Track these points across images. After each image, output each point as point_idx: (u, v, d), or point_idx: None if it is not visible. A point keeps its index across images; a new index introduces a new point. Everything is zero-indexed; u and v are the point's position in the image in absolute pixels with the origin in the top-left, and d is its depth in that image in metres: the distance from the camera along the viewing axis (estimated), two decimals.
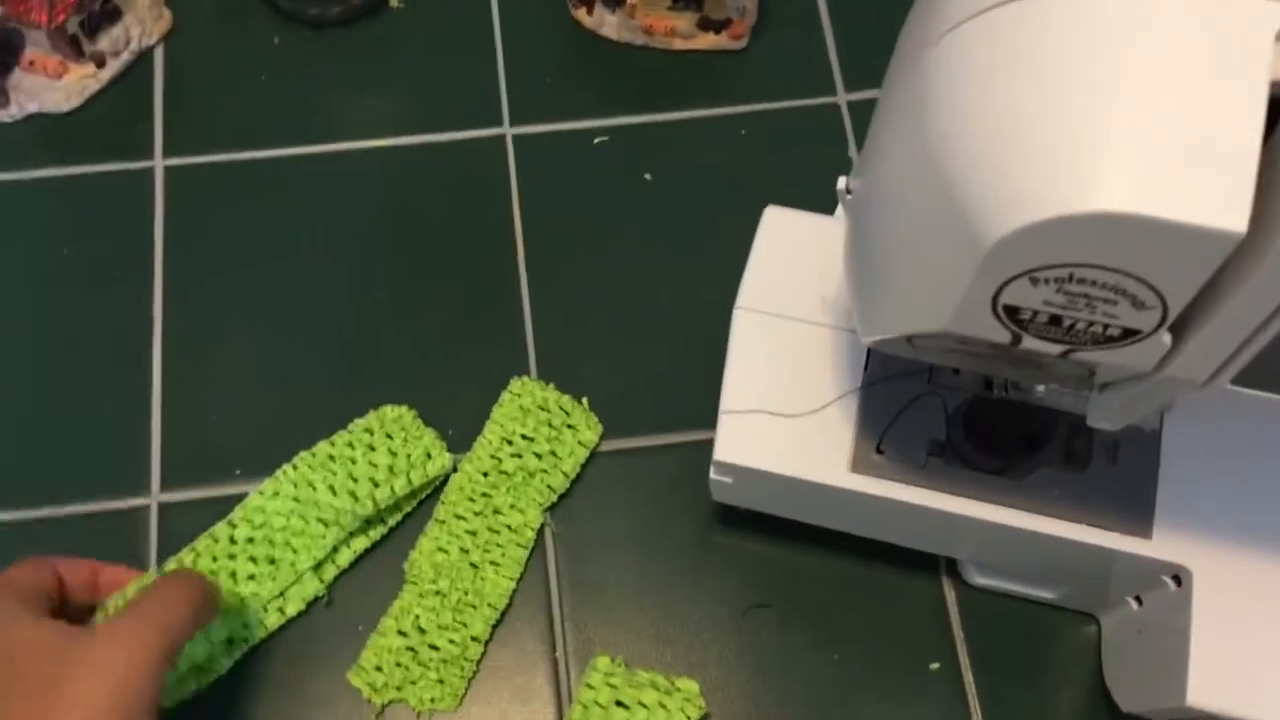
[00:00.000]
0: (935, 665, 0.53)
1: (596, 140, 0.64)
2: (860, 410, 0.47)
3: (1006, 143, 0.28)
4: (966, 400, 0.47)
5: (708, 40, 0.65)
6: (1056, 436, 0.47)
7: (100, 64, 0.63)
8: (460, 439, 0.57)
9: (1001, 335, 0.32)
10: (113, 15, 0.63)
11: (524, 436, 0.56)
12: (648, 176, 0.63)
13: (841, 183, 0.38)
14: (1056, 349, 0.32)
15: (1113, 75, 0.27)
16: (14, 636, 0.41)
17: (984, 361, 0.37)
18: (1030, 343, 0.32)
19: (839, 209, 0.60)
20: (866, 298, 0.38)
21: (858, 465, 0.47)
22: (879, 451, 0.47)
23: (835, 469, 0.47)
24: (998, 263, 0.29)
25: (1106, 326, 0.30)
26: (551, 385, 0.57)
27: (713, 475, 0.49)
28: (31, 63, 0.62)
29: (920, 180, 0.31)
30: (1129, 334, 0.30)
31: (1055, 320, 0.31)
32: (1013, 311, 0.31)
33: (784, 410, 0.48)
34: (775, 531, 0.54)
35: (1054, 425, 0.47)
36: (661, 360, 0.59)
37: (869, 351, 0.48)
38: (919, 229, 0.32)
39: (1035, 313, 0.31)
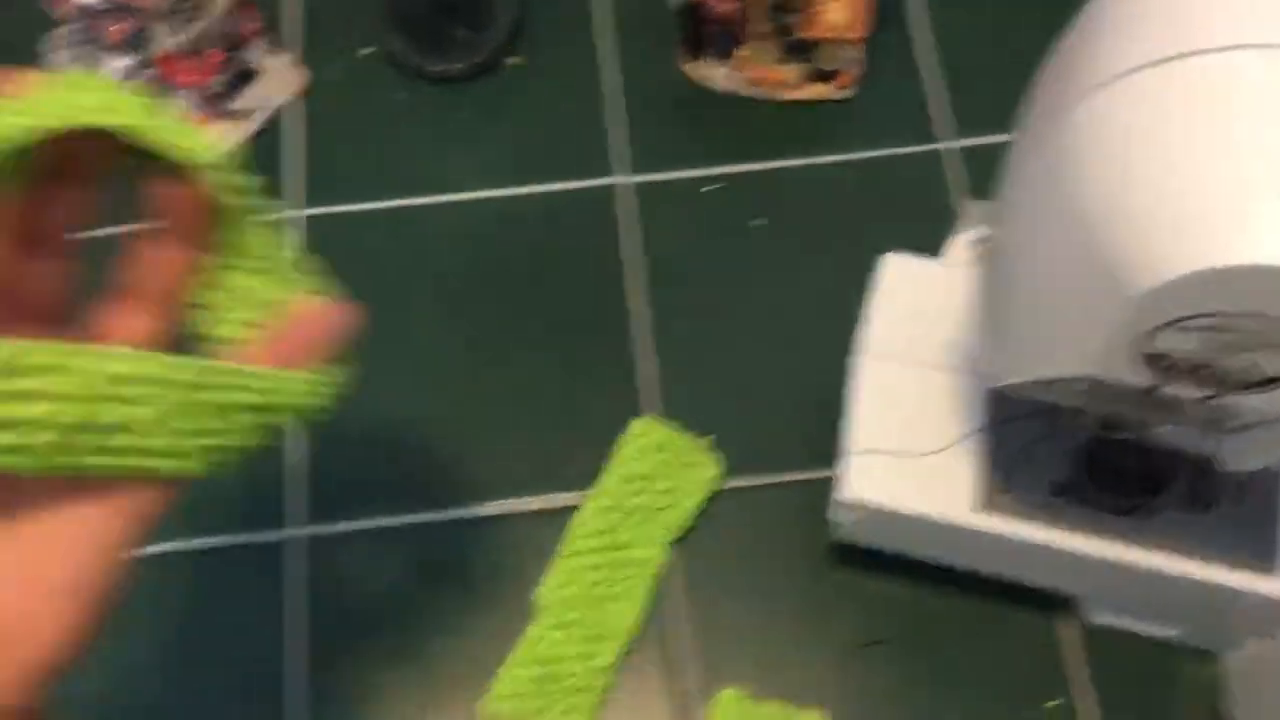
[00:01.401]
0: (1053, 703, 0.54)
1: (705, 188, 0.66)
2: (983, 451, 0.49)
3: (1160, 195, 0.30)
4: (1089, 440, 0.48)
5: (815, 90, 0.67)
6: (1180, 476, 0.48)
7: (239, 120, 0.67)
8: (581, 477, 0.59)
9: (1144, 380, 0.34)
10: (251, 75, 0.66)
11: (646, 475, 0.58)
12: (758, 222, 0.65)
13: (978, 232, 0.40)
14: (1199, 394, 0.34)
15: (1265, 133, 0.29)
16: None
17: (1121, 404, 0.38)
18: (1173, 389, 0.34)
19: (947, 253, 0.61)
20: (1002, 342, 0.39)
21: (982, 504, 0.48)
22: (1003, 491, 0.48)
23: (960, 507, 0.48)
24: (1147, 311, 0.31)
25: (1253, 372, 0.32)
26: (673, 425, 0.60)
27: (836, 514, 0.51)
28: None
29: (1066, 230, 0.33)
30: (1276, 380, 0.32)
31: (1200, 367, 0.33)
32: (1157, 359, 0.33)
33: (908, 450, 0.49)
34: (891, 568, 0.55)
35: (1178, 465, 0.48)
36: (779, 400, 0.61)
37: (990, 393, 0.50)
38: (1064, 277, 0.34)
39: (1180, 360, 0.33)
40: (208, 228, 0.37)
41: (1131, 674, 0.54)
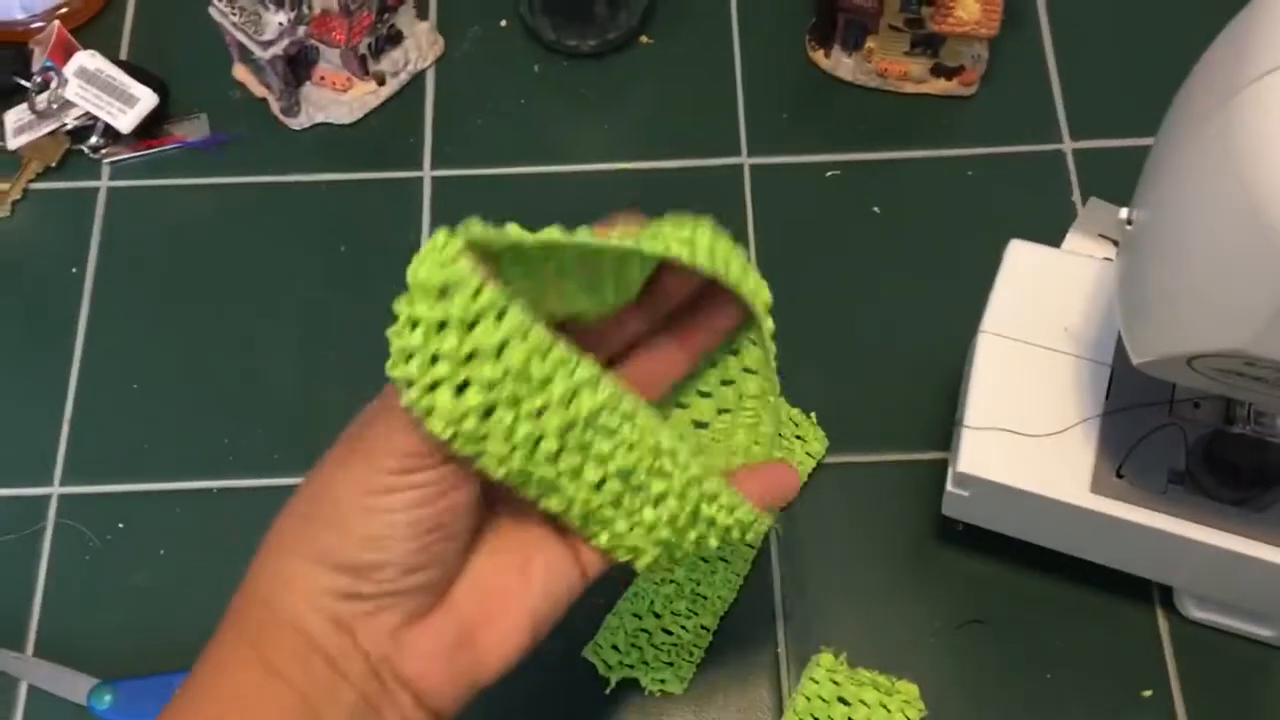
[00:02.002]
0: (1148, 693, 0.55)
1: (828, 174, 0.68)
2: (1100, 436, 0.50)
3: None
4: (1208, 433, 0.49)
5: (939, 85, 0.69)
6: None
7: (381, 82, 0.69)
8: None
9: None
10: (395, 39, 0.69)
11: None
12: (876, 210, 0.67)
13: (1123, 213, 0.41)
14: None
15: None
16: None
17: (1251, 391, 0.39)
18: None
19: (1067, 241, 0.62)
20: (1144, 321, 0.41)
21: (1098, 486, 0.49)
22: (1119, 475, 0.49)
23: (1076, 488, 0.49)
24: None
25: None
26: (783, 399, 0.61)
27: (950, 487, 0.52)
28: (322, 78, 0.69)
29: (1227, 209, 0.34)
30: None
31: None
32: None
33: (1026, 430, 0.50)
34: (992, 550, 0.57)
35: None
36: (886, 382, 0.62)
37: (1110, 381, 0.51)
38: (1221, 254, 0.35)
39: None
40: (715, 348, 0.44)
41: (1224, 672, 0.55)
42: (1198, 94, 0.38)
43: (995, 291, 0.53)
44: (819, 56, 0.70)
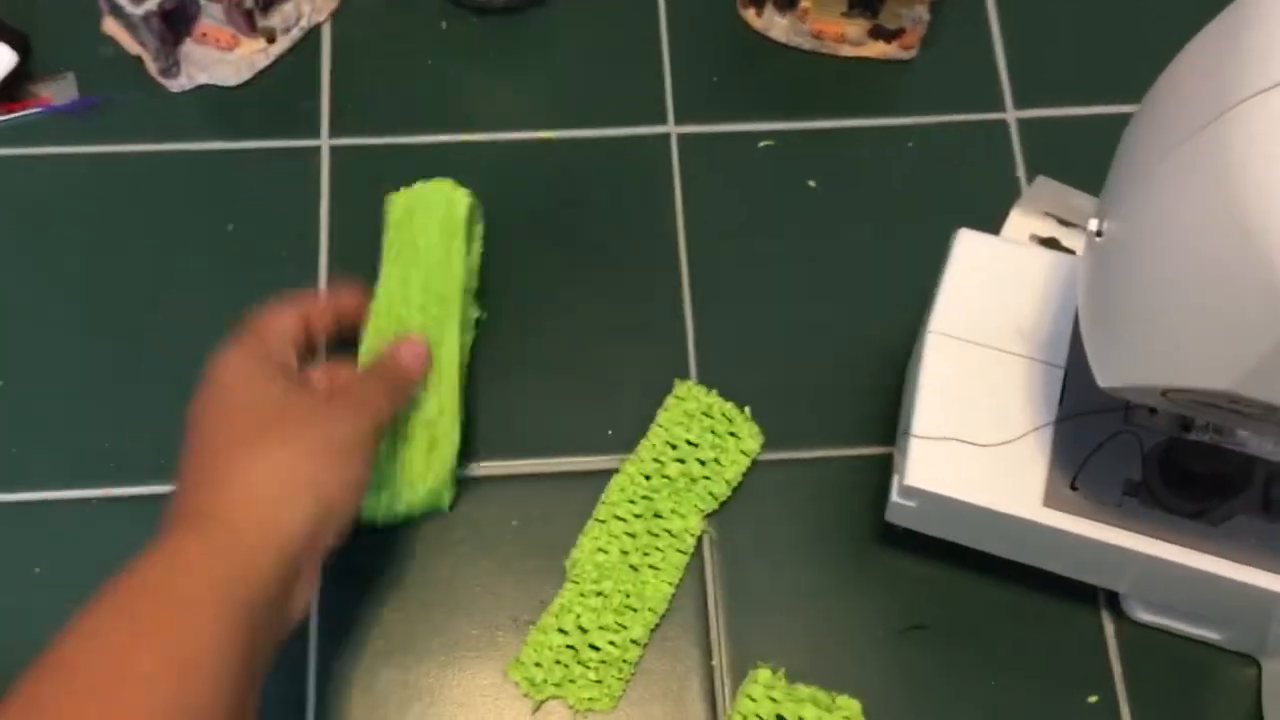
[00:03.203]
0: (1093, 698, 0.53)
1: (761, 144, 0.63)
2: (1053, 445, 0.47)
3: None
4: (1164, 440, 0.47)
5: (877, 49, 0.64)
6: (1255, 483, 0.46)
7: (270, 39, 0.63)
8: (620, 440, 0.57)
9: None
10: None
11: (688, 442, 0.56)
12: (812, 184, 0.63)
13: (1092, 224, 0.38)
14: None
15: None
16: (262, 389, 0.47)
17: (1243, 420, 0.36)
18: None
19: (1007, 226, 0.59)
20: (1115, 343, 0.37)
21: (1051, 500, 0.46)
22: (1073, 488, 0.46)
23: (1028, 502, 0.46)
24: None
25: None
26: (714, 391, 0.57)
27: (895, 498, 0.49)
28: (204, 34, 0.62)
29: (1219, 237, 0.31)
30: None
31: None
32: None
33: (976, 439, 0.47)
34: (935, 552, 0.54)
35: (1252, 471, 0.46)
36: (822, 372, 0.59)
37: (1064, 385, 0.48)
38: (1210, 285, 0.32)
39: None
40: None
41: (1171, 675, 0.54)
42: (1172, 105, 0.34)
43: (943, 288, 0.50)
44: (750, 15, 0.65)
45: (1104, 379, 0.38)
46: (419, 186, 0.57)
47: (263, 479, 0.44)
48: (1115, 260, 0.37)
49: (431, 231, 0.56)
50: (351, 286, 0.54)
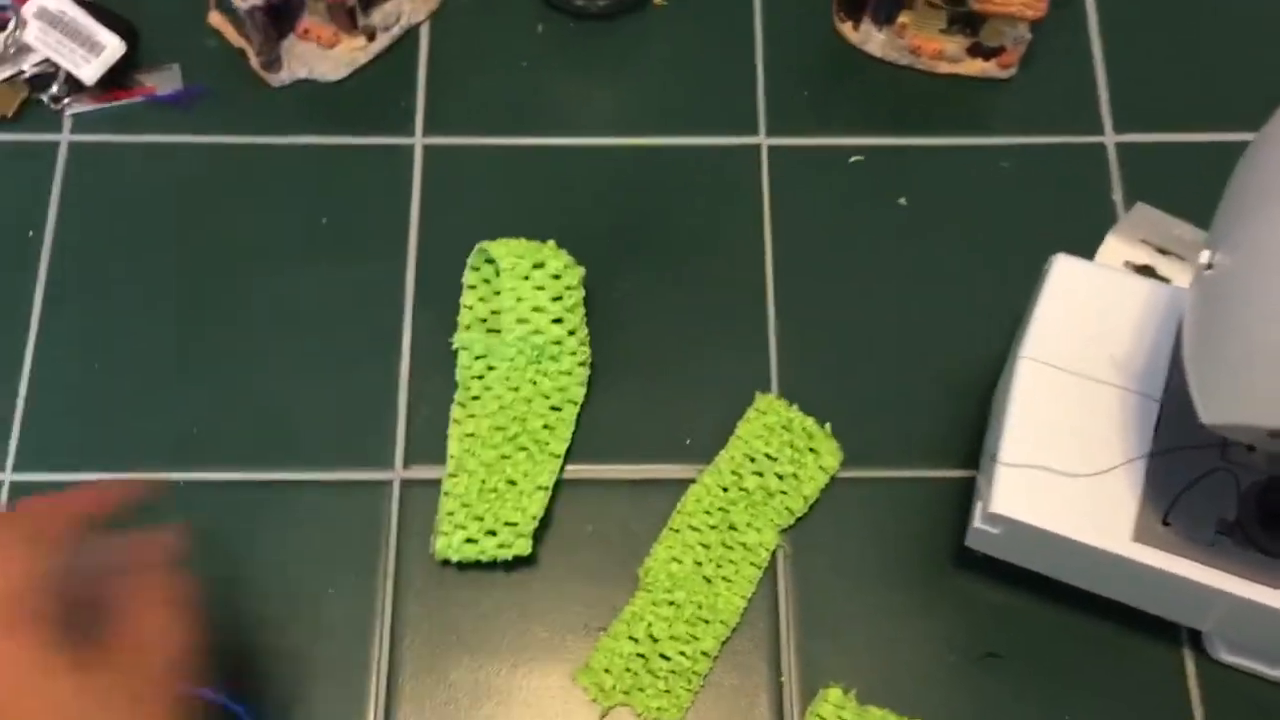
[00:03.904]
0: None
1: (852, 159, 0.63)
2: (1146, 478, 0.46)
3: None
4: (1262, 480, 0.45)
5: (975, 66, 0.64)
6: None
7: (370, 37, 0.64)
8: (698, 450, 0.57)
9: None
10: None
11: (768, 455, 0.56)
12: (902, 201, 0.62)
13: (1204, 256, 0.37)
14: None
15: None
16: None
17: None
18: None
19: (1102, 252, 0.58)
20: (1221, 379, 0.36)
21: (1141, 535, 0.45)
22: (1165, 524, 0.45)
23: (1118, 536, 0.45)
24: None
25: None
26: (795, 406, 0.57)
27: (978, 524, 0.48)
28: (306, 31, 0.63)
29: None
30: None
31: None
32: None
33: (1066, 469, 0.46)
34: (1013, 579, 0.53)
35: None
36: (905, 391, 0.58)
37: (1158, 418, 0.47)
38: None
39: None
40: None
41: (1252, 718, 0.52)
42: None
43: (1037, 313, 0.49)
44: (847, 29, 0.65)
45: (1207, 416, 0.37)
46: (523, 253, 0.57)
47: None
48: (1225, 294, 0.36)
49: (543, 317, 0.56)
50: (118, 488, 0.47)
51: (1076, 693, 0.53)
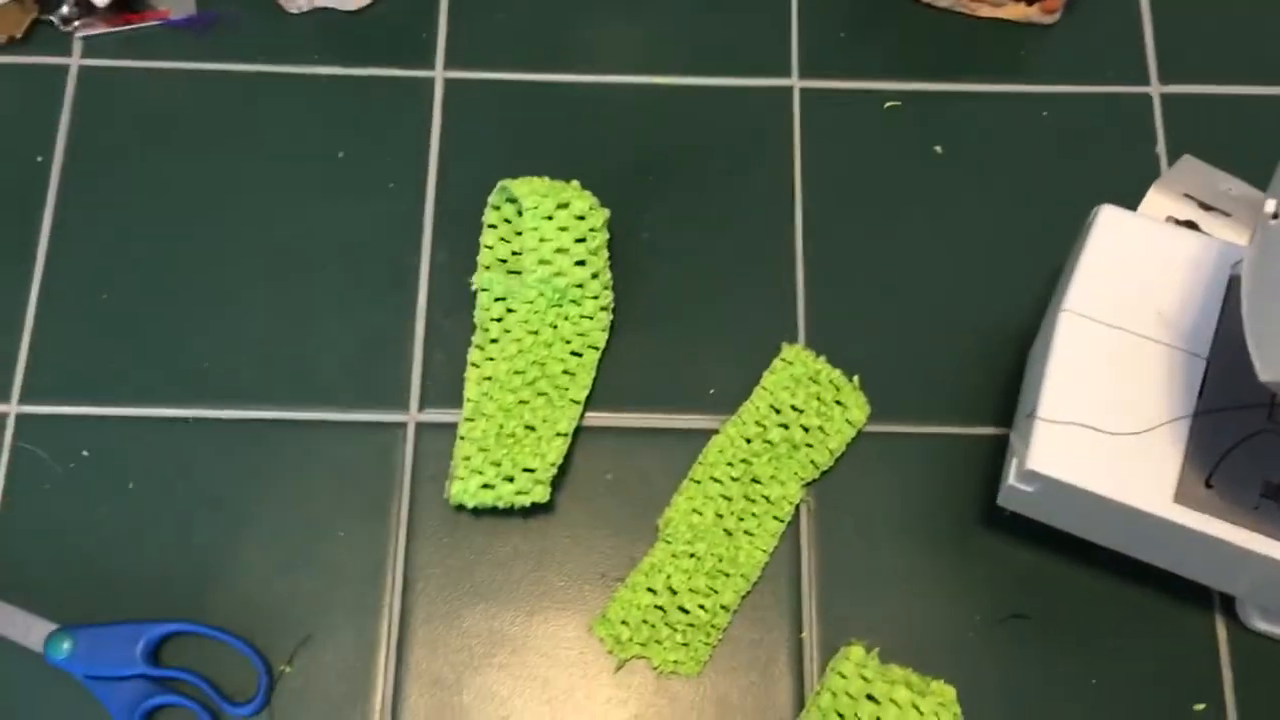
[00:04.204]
0: (1200, 706, 0.51)
1: (888, 105, 0.61)
2: (1190, 439, 0.44)
3: None
4: None
5: (1018, 11, 0.61)
6: None
7: None
8: (721, 400, 0.55)
9: None
10: None
11: (794, 408, 0.54)
12: (939, 149, 0.60)
13: (1270, 205, 0.35)
14: None
15: None
16: None
17: None
18: None
19: (1144, 206, 0.56)
20: None
21: (1183, 496, 0.44)
22: (1208, 485, 0.44)
23: (1158, 497, 0.44)
24: None
25: None
26: (822, 357, 0.55)
27: (1011, 482, 0.47)
28: None
29: None
30: None
31: None
32: None
33: (1106, 427, 0.45)
34: (1041, 539, 0.52)
35: None
36: (937, 346, 0.56)
37: (1204, 376, 0.45)
38: None
39: None
40: None
41: None
42: None
43: (1080, 265, 0.47)
44: None
45: (1265, 372, 0.36)
46: (551, 195, 0.55)
47: None
48: None
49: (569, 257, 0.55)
50: None
51: (1104, 657, 0.51)
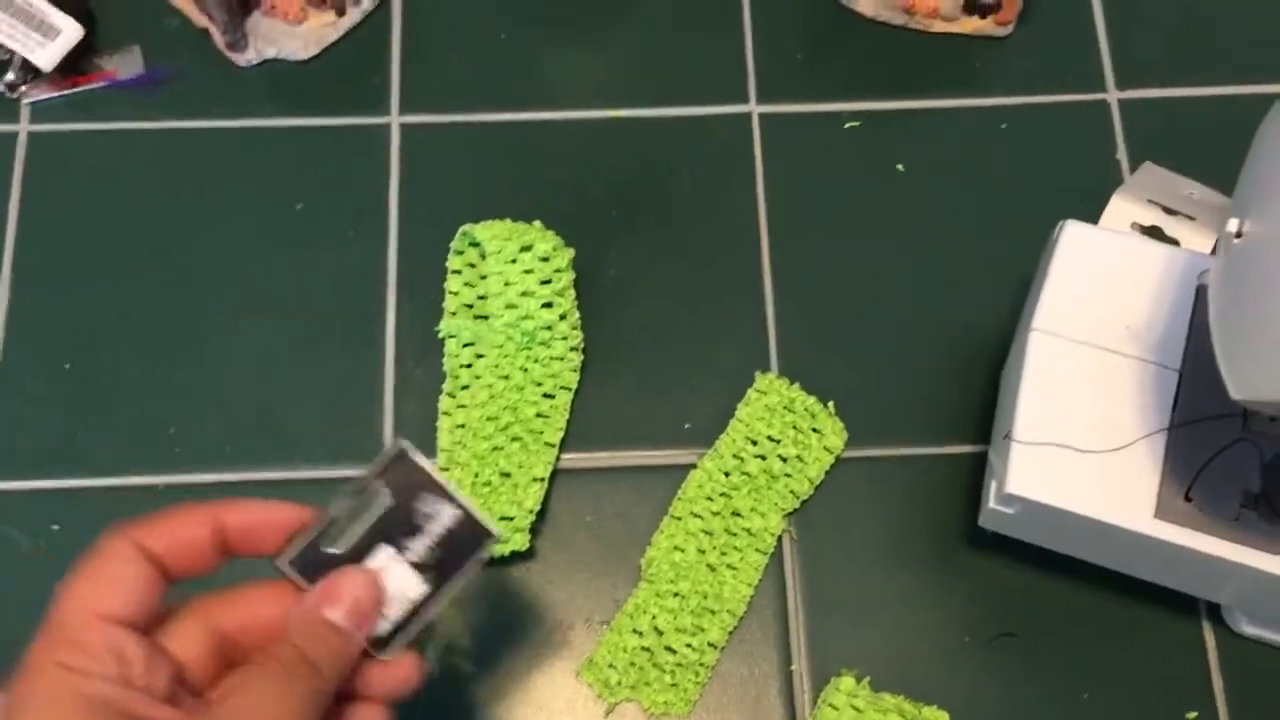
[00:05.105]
0: (1192, 714, 0.50)
1: (847, 125, 0.60)
2: (1167, 452, 0.44)
3: None
4: None
5: (971, 24, 0.61)
6: None
7: (340, 12, 0.61)
8: (698, 433, 0.55)
9: None
10: None
11: (770, 438, 0.54)
12: (900, 167, 0.60)
13: (1231, 225, 0.35)
14: None
15: None
16: None
17: None
18: None
19: (1106, 214, 0.56)
20: (1254, 353, 0.35)
21: (1163, 511, 0.44)
22: (1187, 499, 0.44)
23: (1139, 514, 0.44)
24: None
25: None
26: (796, 384, 0.55)
27: (992, 505, 0.47)
28: (272, 6, 0.60)
29: None
30: None
31: None
32: None
33: (1082, 445, 0.45)
34: (1027, 557, 0.51)
35: None
36: (910, 365, 0.56)
37: (1178, 389, 0.45)
38: None
39: None
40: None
41: (1274, 689, 0.51)
42: None
43: (1046, 283, 0.47)
44: None
45: (1238, 390, 0.36)
46: (509, 234, 0.54)
47: None
48: (1256, 264, 0.34)
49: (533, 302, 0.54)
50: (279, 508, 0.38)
51: (1095, 669, 0.51)
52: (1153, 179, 0.57)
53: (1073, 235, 0.48)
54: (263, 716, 0.32)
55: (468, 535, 0.38)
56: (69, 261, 0.58)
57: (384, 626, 0.37)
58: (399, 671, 0.37)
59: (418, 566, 0.37)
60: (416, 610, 0.37)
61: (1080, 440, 0.45)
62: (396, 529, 0.37)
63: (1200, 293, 0.46)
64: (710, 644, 0.51)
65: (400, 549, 0.37)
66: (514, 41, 0.62)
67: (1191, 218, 0.56)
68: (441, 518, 0.38)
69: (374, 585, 0.36)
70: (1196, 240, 0.55)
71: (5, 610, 0.51)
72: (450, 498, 0.38)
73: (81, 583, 0.33)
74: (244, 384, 0.56)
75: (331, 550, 0.37)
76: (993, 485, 0.47)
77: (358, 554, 0.37)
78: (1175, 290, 0.46)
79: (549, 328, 0.54)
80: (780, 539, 0.53)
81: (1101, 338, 0.46)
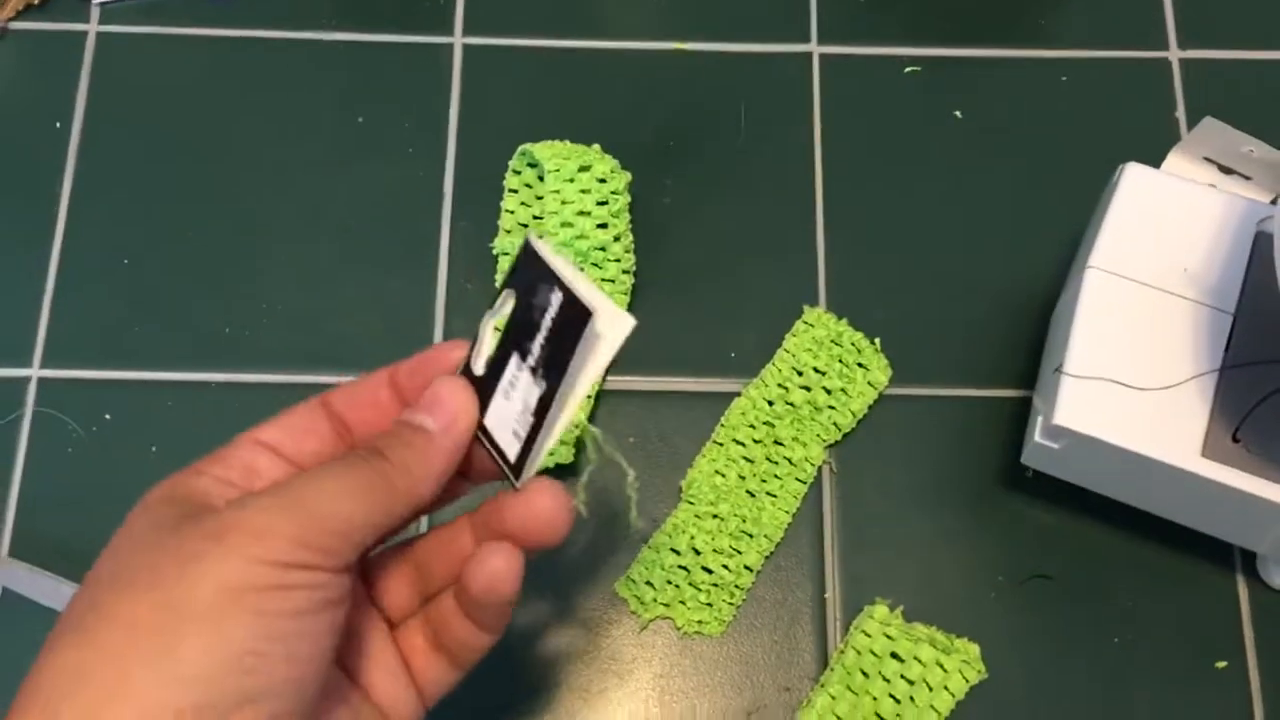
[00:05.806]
0: (1222, 664, 0.51)
1: (908, 69, 0.61)
2: (1217, 393, 0.45)
3: None
4: None
5: None
6: None
7: None
8: (743, 362, 0.55)
9: None
10: None
11: (816, 370, 0.54)
12: (958, 114, 0.60)
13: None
14: None
15: None
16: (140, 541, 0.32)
17: None
18: None
19: (1167, 163, 0.56)
20: None
21: (1210, 450, 0.44)
22: (1235, 439, 0.44)
23: (1185, 451, 0.44)
24: None
25: None
26: (844, 320, 0.55)
27: (1038, 438, 0.47)
28: None
29: None
30: None
31: None
32: None
33: (1133, 382, 0.45)
34: (1062, 500, 0.52)
35: None
36: (957, 309, 0.56)
37: (1231, 332, 0.45)
38: None
39: None
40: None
41: None
42: None
43: (1106, 222, 0.47)
44: None
45: None
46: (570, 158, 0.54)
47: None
48: None
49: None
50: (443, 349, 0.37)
51: (1126, 616, 0.51)
52: (1213, 134, 0.57)
53: (1134, 176, 0.48)
54: (328, 499, 0.31)
55: (573, 320, 0.31)
56: (131, 160, 0.58)
57: (513, 445, 0.33)
58: (538, 506, 0.35)
59: (534, 370, 0.32)
60: (539, 422, 0.32)
61: (1130, 377, 0.45)
62: (523, 333, 0.33)
63: (1259, 239, 0.46)
64: (746, 567, 0.52)
65: (524, 355, 0.32)
66: None
67: (1247, 177, 0.56)
68: (550, 307, 0.32)
69: (456, 385, 0.35)
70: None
71: (51, 492, 0.53)
72: (556, 279, 0.31)
73: (263, 423, 0.36)
74: (298, 291, 0.56)
75: (476, 371, 0.34)
76: (1039, 421, 0.47)
77: (496, 368, 0.33)
78: (1233, 236, 0.46)
79: (603, 248, 0.54)
80: (820, 470, 0.54)
81: (1158, 278, 0.46)
